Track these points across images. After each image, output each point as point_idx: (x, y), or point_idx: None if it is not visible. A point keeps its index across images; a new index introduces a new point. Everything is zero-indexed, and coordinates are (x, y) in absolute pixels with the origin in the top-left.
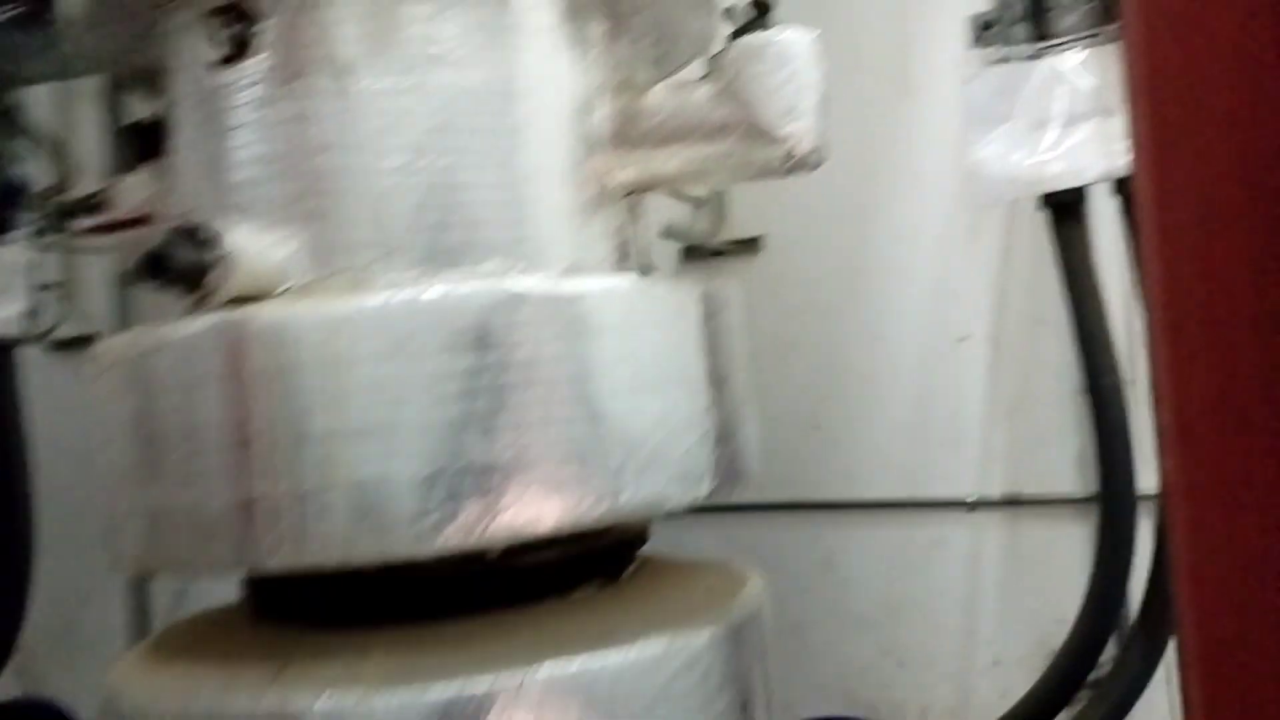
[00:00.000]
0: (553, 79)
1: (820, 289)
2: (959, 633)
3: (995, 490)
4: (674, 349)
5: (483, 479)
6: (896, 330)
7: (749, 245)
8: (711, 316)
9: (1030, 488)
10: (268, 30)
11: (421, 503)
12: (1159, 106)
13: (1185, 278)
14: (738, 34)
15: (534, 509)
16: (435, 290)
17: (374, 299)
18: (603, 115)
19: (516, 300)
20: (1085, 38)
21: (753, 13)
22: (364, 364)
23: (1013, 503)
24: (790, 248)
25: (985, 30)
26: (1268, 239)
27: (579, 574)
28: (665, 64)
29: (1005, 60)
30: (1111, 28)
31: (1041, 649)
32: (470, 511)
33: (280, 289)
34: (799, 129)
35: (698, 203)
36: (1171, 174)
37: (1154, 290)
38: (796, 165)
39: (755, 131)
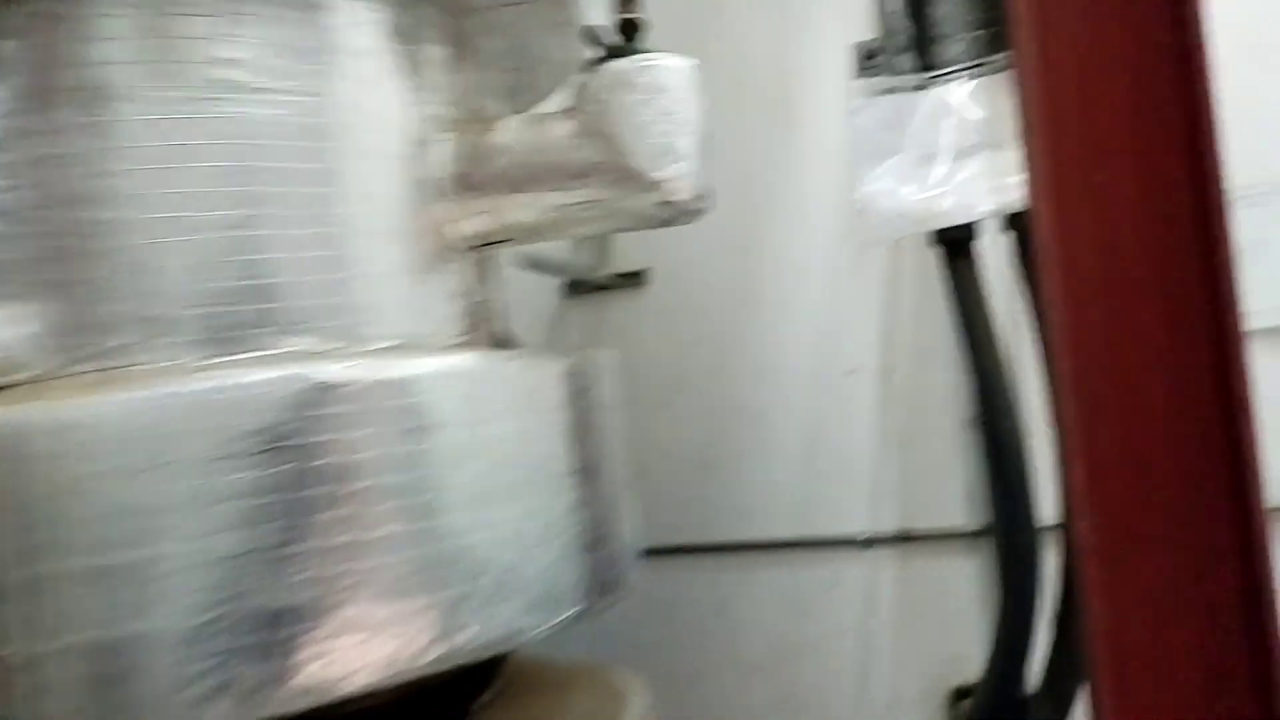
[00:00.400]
0: (379, 111)
1: (707, 323)
2: (855, 675)
3: (888, 526)
4: (531, 442)
5: (273, 628)
6: (786, 364)
7: (633, 279)
8: (579, 396)
9: (922, 523)
10: (7, 49)
11: (189, 665)
12: (1057, 141)
13: (1091, 323)
14: (603, 59)
15: (345, 662)
16: (210, 381)
17: (127, 394)
18: (443, 155)
19: (321, 391)
20: (972, 68)
21: (620, 34)
22: (110, 481)
23: (905, 539)
24: (675, 281)
25: (869, 59)
26: (1176, 277)
27: (422, 714)
28: (520, 95)
29: (891, 91)
30: (999, 58)
31: (938, 687)
32: (256, 672)
33: (10, 381)
34: (676, 172)
35: None
36: (1073, 212)
37: (1059, 338)
38: (674, 214)
39: (625, 175)
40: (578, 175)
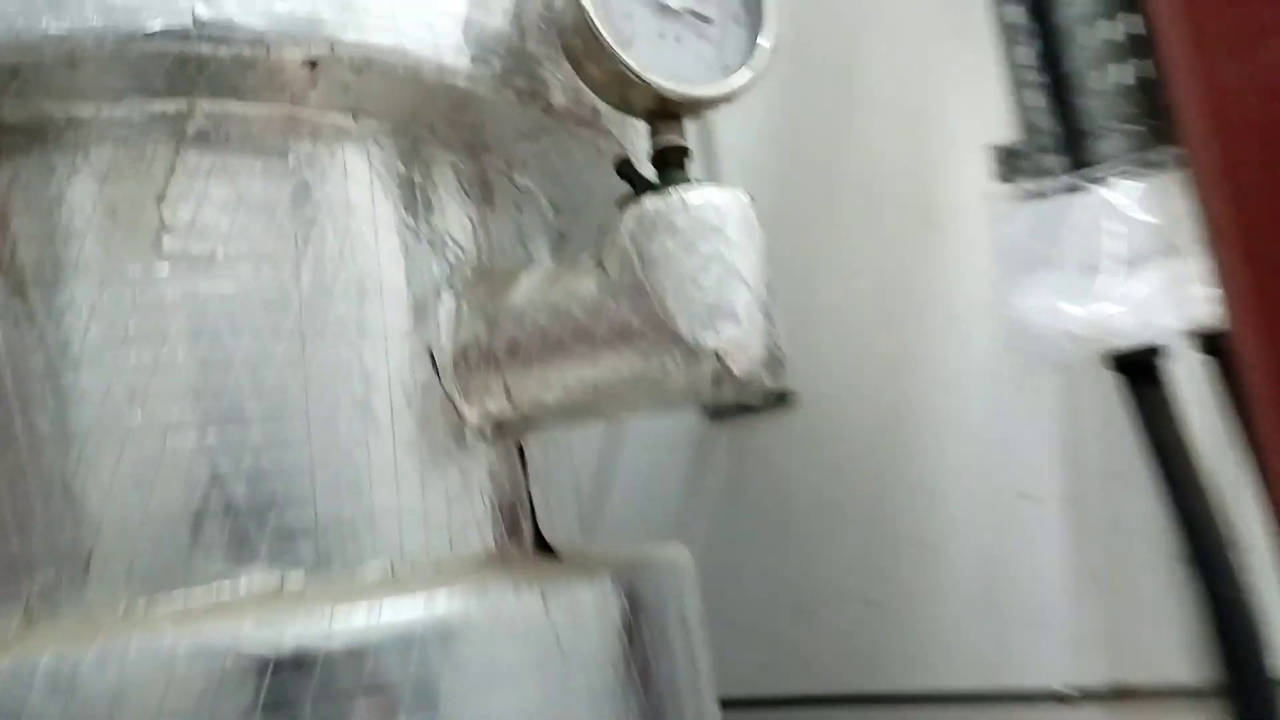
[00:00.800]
0: (371, 275)
1: (861, 445)
2: None
3: (1092, 679)
4: (573, 695)
5: None
6: (952, 490)
7: (780, 400)
8: (638, 620)
9: (1134, 675)
10: None
11: None
12: (1255, 246)
13: None
14: (635, 197)
15: None
16: (136, 642)
17: (24, 664)
18: (451, 322)
19: (262, 664)
20: (1132, 165)
21: (658, 165)
22: None
23: (1118, 695)
24: (824, 401)
25: (1011, 161)
26: None
27: None
28: (564, 242)
29: (1039, 195)
30: (1163, 152)
31: None
32: None
33: None
34: (731, 336)
35: None
36: None
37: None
38: (734, 389)
39: (666, 341)
40: (608, 343)
